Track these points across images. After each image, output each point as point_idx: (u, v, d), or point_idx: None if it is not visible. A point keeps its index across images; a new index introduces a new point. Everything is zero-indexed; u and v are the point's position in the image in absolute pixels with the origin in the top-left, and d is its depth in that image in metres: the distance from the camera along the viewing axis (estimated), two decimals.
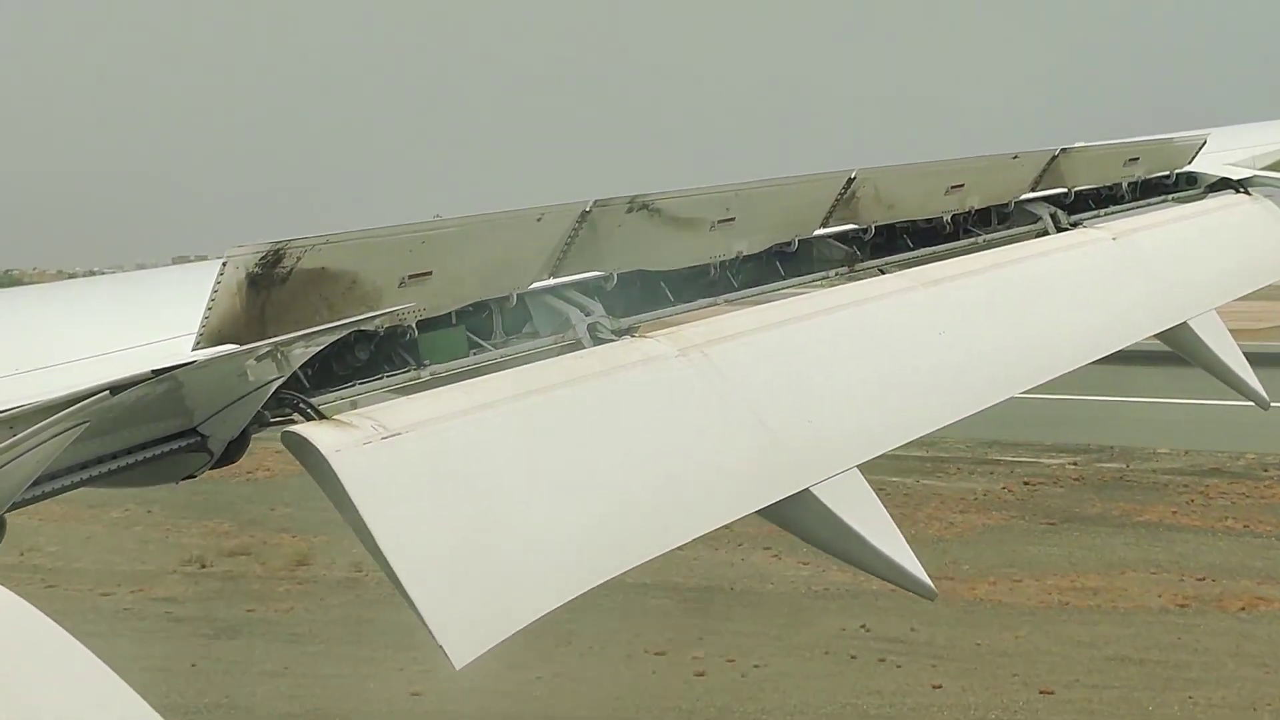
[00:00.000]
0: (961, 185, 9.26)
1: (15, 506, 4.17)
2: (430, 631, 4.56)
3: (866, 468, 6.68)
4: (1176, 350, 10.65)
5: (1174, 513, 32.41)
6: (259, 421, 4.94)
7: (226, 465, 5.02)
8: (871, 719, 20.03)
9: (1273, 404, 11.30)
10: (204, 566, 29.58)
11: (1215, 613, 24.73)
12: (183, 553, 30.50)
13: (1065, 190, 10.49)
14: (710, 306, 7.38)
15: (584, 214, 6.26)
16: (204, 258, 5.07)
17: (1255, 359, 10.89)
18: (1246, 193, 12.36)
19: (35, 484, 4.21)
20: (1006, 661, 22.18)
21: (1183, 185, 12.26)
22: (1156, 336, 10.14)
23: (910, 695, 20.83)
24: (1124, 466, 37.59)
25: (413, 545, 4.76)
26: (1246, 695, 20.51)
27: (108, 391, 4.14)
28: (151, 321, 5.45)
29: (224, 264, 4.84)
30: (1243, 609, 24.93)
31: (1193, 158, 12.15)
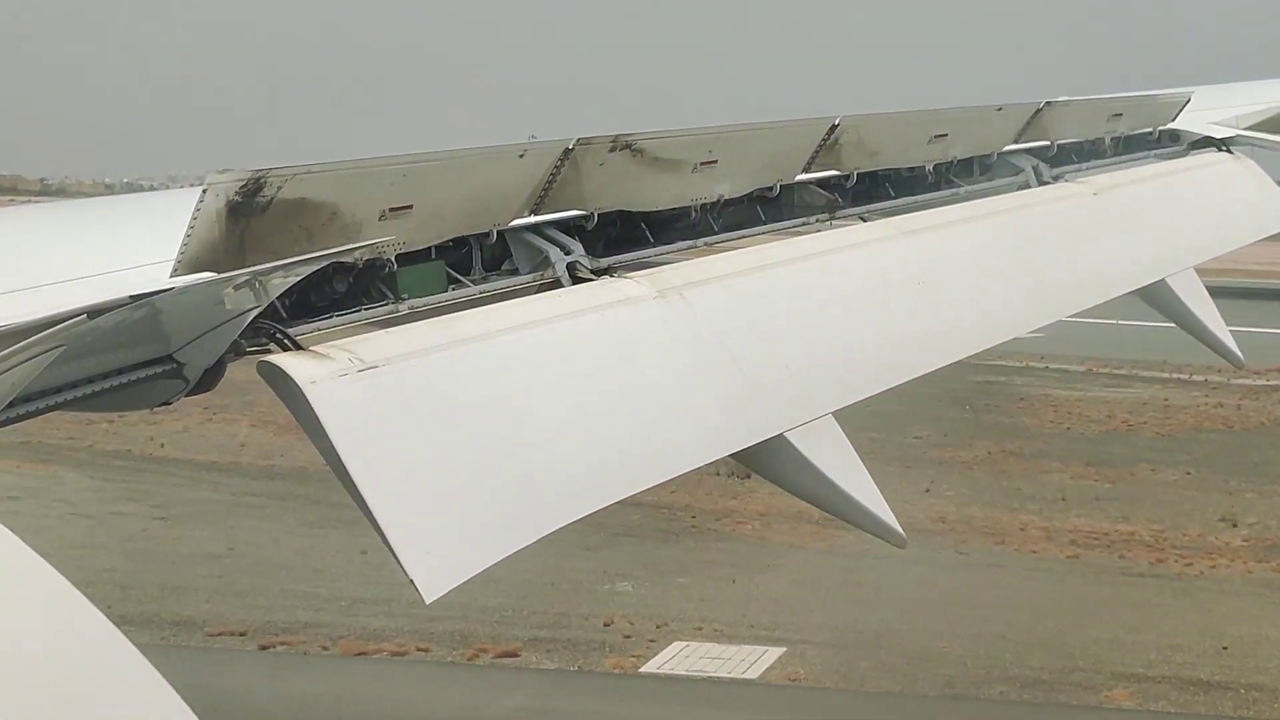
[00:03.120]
0: (945, 135, 9.25)
1: None
2: (401, 565, 4.58)
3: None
4: (1154, 307, 10.70)
5: None
6: (235, 350, 4.93)
7: (202, 393, 5.01)
8: None
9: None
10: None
11: None
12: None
13: (1048, 143, 10.49)
14: (690, 249, 7.38)
15: (566, 152, 6.25)
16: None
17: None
18: (1229, 152, 12.38)
19: (10, 405, 4.21)
20: None
21: (1166, 142, 12.28)
22: (1136, 294, 10.18)
23: None
24: None
25: (386, 479, 4.77)
26: None
27: (85, 315, 4.13)
28: (131, 246, 5.43)
29: (204, 191, 4.82)
30: None
31: (1176, 115, 12.17)
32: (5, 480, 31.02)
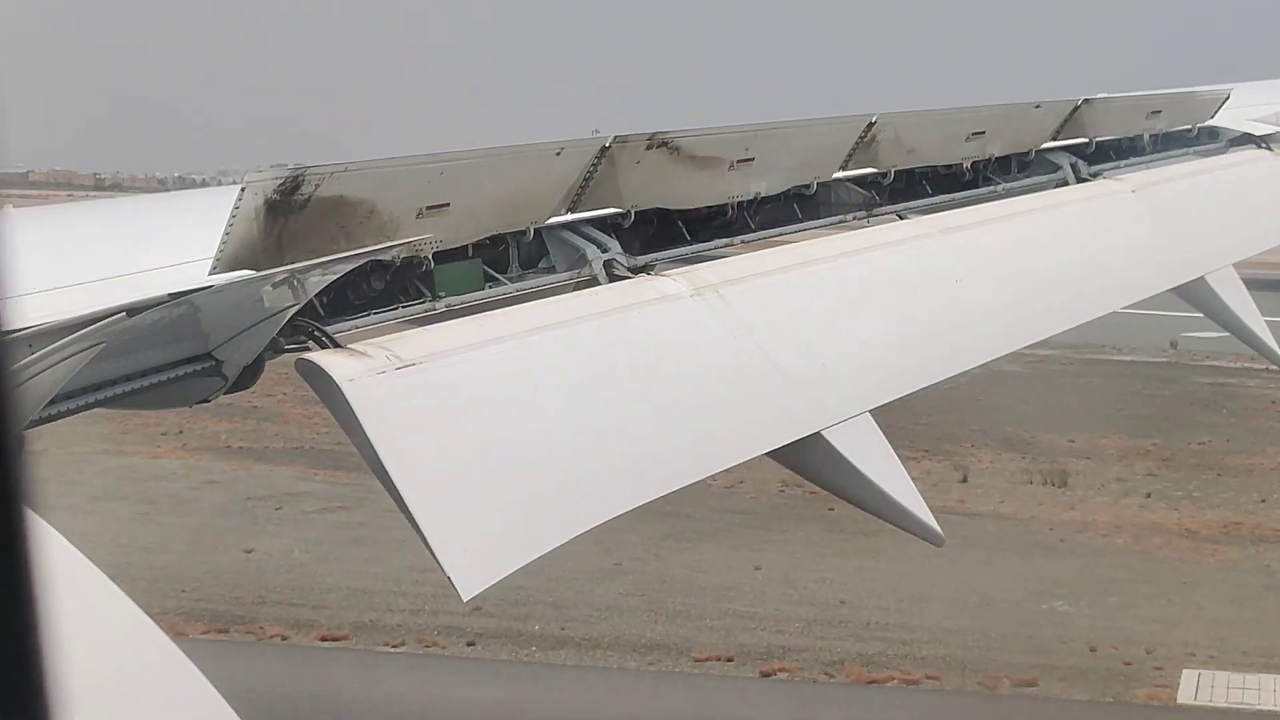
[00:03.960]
0: (983, 132, 9.22)
1: (32, 424, 4.18)
2: (438, 562, 4.58)
3: None
4: (1193, 305, 10.63)
5: None
6: (274, 348, 4.95)
7: (240, 390, 5.03)
8: None
9: None
10: None
11: None
12: None
13: (1087, 140, 10.44)
14: (726, 247, 7.37)
15: (603, 149, 6.25)
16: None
17: None
18: (1268, 149, 12.28)
19: (52, 403, 4.23)
20: None
21: (1204, 139, 12.19)
22: (1174, 291, 10.11)
23: None
24: None
25: (424, 476, 4.77)
26: None
27: (125, 313, 4.15)
28: (172, 244, 5.45)
29: (242, 189, 4.84)
30: None
31: (1215, 112, 12.08)
32: (320, 489, 31.27)
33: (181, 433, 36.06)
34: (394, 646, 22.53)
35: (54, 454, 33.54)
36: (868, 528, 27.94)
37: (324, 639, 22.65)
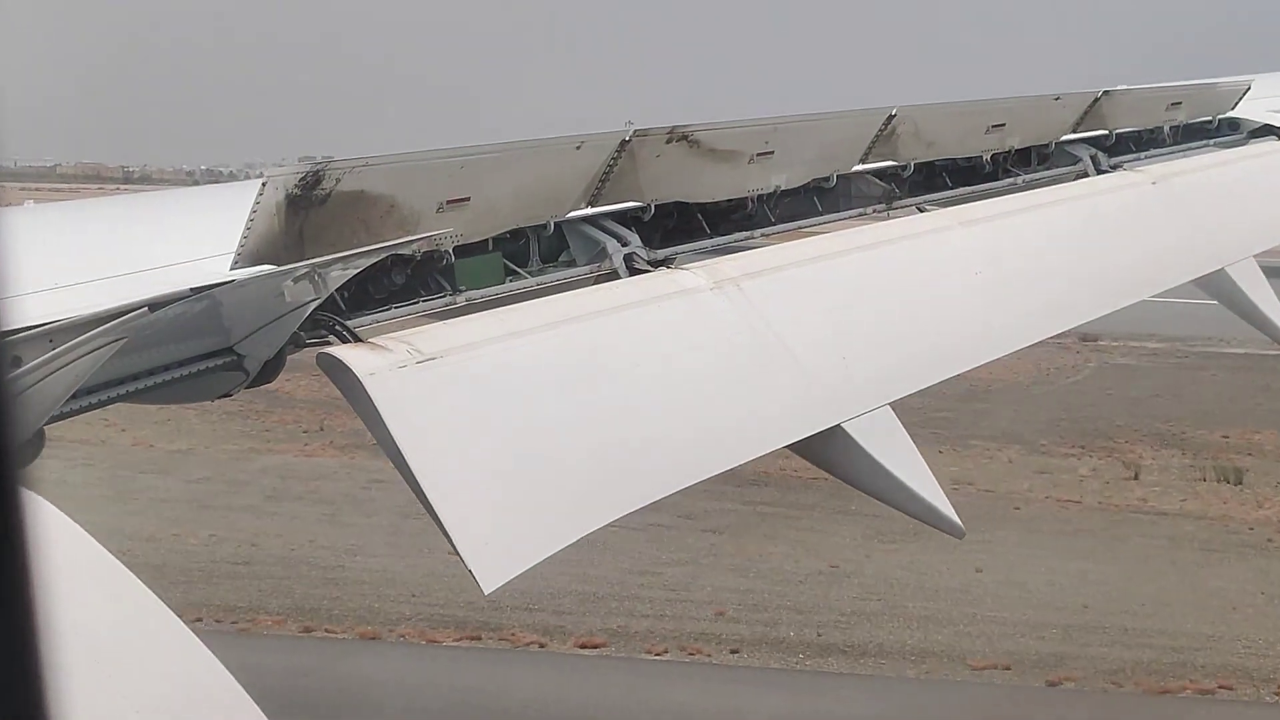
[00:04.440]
0: (1003, 125, 9.21)
1: (54, 419, 4.20)
2: (460, 556, 4.59)
3: None
4: (1214, 297, 10.61)
5: None
6: (295, 342, 4.97)
7: (262, 385, 5.05)
8: None
9: None
10: None
11: None
12: None
13: (1106, 132, 10.42)
14: (746, 240, 7.37)
15: (623, 143, 6.25)
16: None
17: None
18: None
19: (74, 397, 4.25)
20: None
21: (1225, 130, 12.16)
22: (1193, 282, 10.09)
23: None
24: None
25: (445, 470, 4.79)
26: None
27: (146, 308, 4.17)
28: (192, 239, 5.47)
29: (263, 184, 4.86)
30: None
31: (1236, 103, 12.04)
32: None
33: (322, 430, 35.56)
34: (657, 654, 22.11)
35: (202, 452, 33.31)
36: (1065, 528, 27.80)
37: (583, 646, 22.27)
